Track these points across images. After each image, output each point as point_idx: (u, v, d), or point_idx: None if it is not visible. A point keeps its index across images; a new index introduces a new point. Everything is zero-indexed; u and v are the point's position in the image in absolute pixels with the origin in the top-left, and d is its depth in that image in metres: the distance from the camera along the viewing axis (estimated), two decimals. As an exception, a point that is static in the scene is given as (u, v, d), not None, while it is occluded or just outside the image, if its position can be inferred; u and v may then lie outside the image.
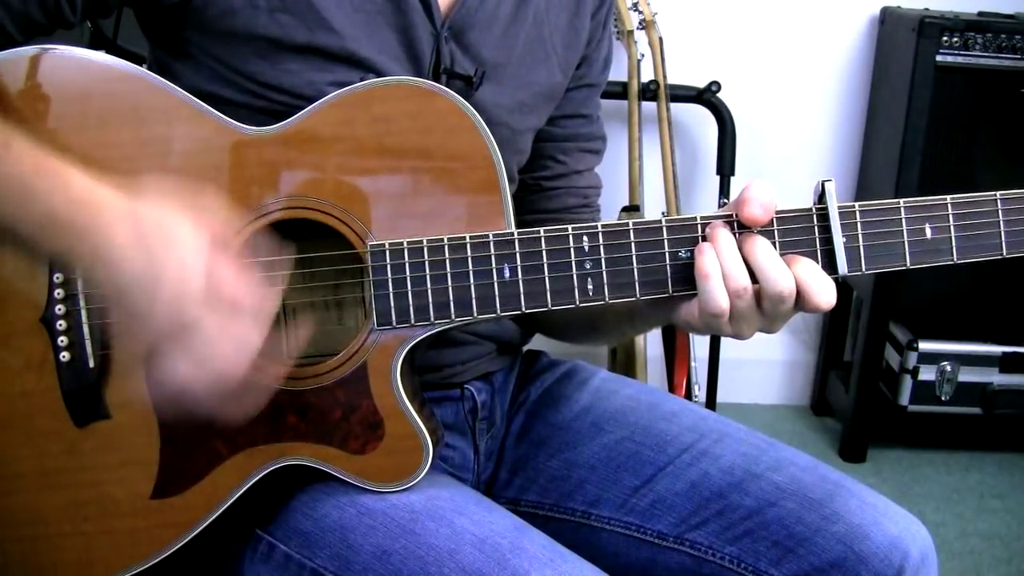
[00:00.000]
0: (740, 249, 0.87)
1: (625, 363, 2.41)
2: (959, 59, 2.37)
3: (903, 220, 0.89)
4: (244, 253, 0.88)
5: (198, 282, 0.81)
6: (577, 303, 0.90)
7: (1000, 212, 0.90)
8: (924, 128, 2.39)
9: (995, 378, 2.52)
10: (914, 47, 2.36)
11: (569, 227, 0.90)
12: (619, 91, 2.40)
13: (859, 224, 0.89)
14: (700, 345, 2.46)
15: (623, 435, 1.11)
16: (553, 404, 1.17)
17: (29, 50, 0.90)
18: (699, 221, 0.89)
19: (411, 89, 0.91)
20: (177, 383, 0.83)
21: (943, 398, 2.52)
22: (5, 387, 0.93)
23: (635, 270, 0.90)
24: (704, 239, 0.89)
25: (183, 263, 0.81)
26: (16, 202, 0.82)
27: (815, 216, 0.89)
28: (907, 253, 0.90)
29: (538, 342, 1.24)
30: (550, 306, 0.90)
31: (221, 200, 0.90)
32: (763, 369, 2.86)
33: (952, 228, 0.89)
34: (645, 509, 1.07)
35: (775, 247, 0.88)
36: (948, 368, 2.50)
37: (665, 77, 2.40)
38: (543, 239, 0.90)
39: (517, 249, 0.90)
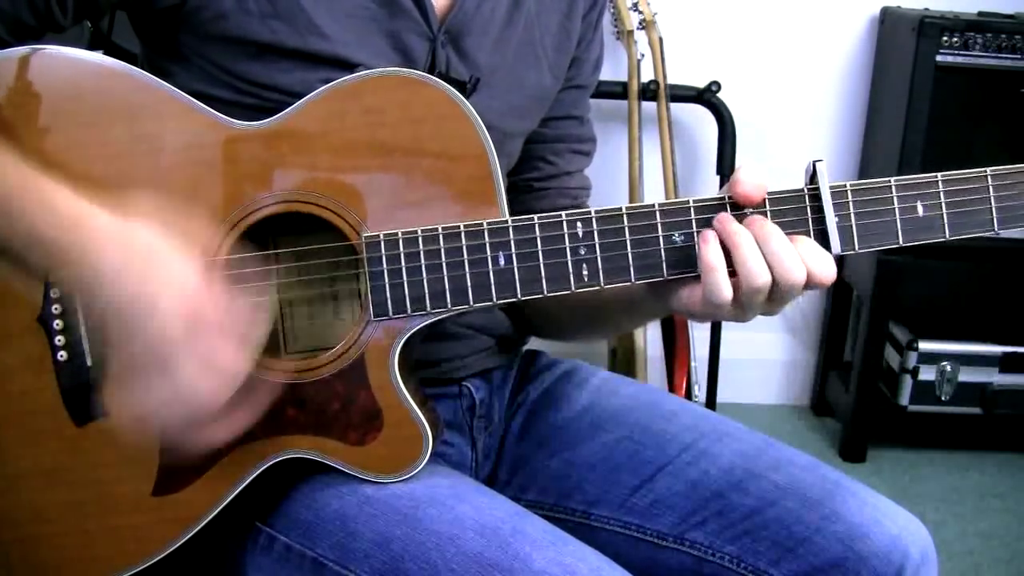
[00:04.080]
0: (755, 240, 0.87)
1: (625, 363, 2.41)
2: (959, 59, 2.36)
3: (894, 198, 0.90)
4: (231, 265, 0.89)
5: (186, 308, 0.82)
6: (573, 289, 0.91)
7: (991, 188, 0.90)
8: (924, 128, 2.39)
9: (995, 378, 2.51)
10: (914, 47, 2.36)
11: (563, 213, 0.90)
12: (619, 91, 2.40)
13: (851, 203, 0.89)
14: (700, 345, 2.46)
15: (623, 435, 1.11)
16: (553, 403, 1.17)
17: (19, 51, 0.90)
18: (691, 205, 0.90)
19: (401, 80, 0.91)
20: (151, 409, 0.84)
21: (943, 398, 2.52)
22: (4, 387, 0.93)
23: (629, 254, 0.90)
24: (709, 226, 0.89)
25: (171, 290, 0.82)
26: (2, 220, 0.83)
27: (807, 196, 0.90)
28: (899, 231, 0.90)
29: (538, 341, 1.24)
30: (546, 293, 0.90)
31: (210, 214, 0.90)
32: (763, 369, 2.86)
33: (943, 205, 0.90)
34: (645, 509, 1.07)
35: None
36: (948, 368, 2.50)
37: (665, 77, 2.40)
38: (537, 226, 0.90)
39: (512, 236, 0.90)
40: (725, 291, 0.87)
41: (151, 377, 0.82)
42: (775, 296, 0.88)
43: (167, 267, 0.83)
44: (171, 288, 0.82)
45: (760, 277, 0.86)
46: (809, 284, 0.88)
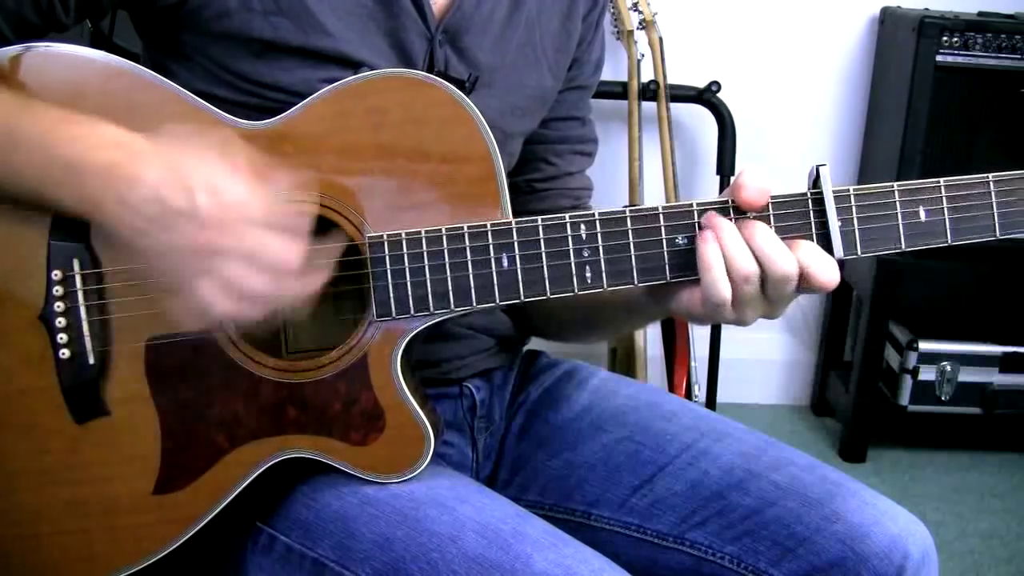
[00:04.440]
0: (741, 235, 0.87)
1: (625, 363, 2.41)
2: (959, 59, 2.37)
3: (897, 203, 0.90)
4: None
5: (236, 172, 0.81)
6: (576, 291, 0.91)
7: (993, 194, 0.90)
8: (924, 128, 2.39)
9: (995, 378, 2.51)
10: (914, 47, 2.36)
11: (566, 215, 0.90)
12: (619, 91, 2.40)
13: (854, 208, 0.89)
14: (700, 345, 2.46)
15: (623, 435, 1.11)
16: (553, 404, 1.17)
17: (12, 50, 0.90)
18: (695, 208, 0.90)
19: (405, 80, 0.91)
20: (241, 279, 0.82)
21: (943, 398, 2.52)
22: (4, 385, 0.93)
23: (632, 257, 0.90)
24: (701, 227, 0.89)
25: (218, 161, 0.82)
26: (41, 155, 0.84)
27: (810, 201, 0.90)
28: (902, 236, 0.90)
29: (538, 342, 1.24)
30: (549, 294, 0.90)
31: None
32: (763, 369, 2.86)
33: (946, 210, 0.90)
34: (645, 509, 1.07)
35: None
36: (948, 368, 2.50)
37: (665, 77, 2.40)
38: (540, 228, 0.90)
39: (515, 238, 0.90)
40: (723, 289, 0.87)
41: (215, 264, 0.81)
42: (769, 291, 0.88)
43: (208, 165, 0.82)
44: (217, 182, 0.81)
45: (744, 265, 0.86)
46: (811, 286, 0.88)
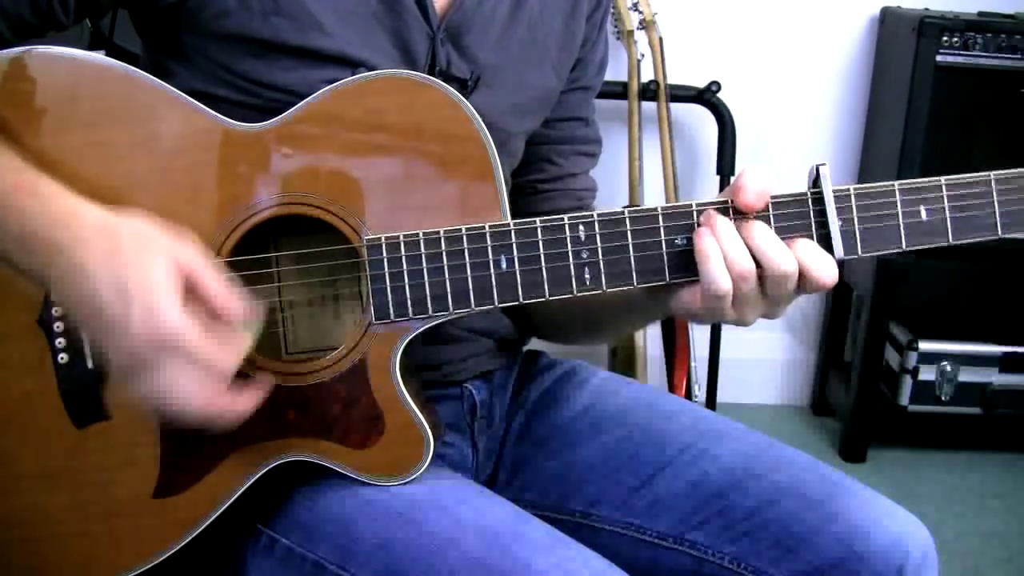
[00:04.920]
0: (739, 234, 0.87)
1: (625, 363, 2.41)
2: (959, 59, 2.37)
3: (898, 202, 0.89)
4: (231, 267, 0.87)
5: (175, 295, 0.80)
6: (575, 292, 0.90)
7: (994, 192, 0.90)
8: (924, 128, 2.39)
9: (995, 378, 2.52)
10: (914, 47, 2.36)
11: (565, 217, 0.90)
12: (619, 91, 2.40)
13: (854, 207, 0.89)
14: (700, 345, 2.46)
15: (623, 435, 1.11)
16: (553, 404, 1.17)
17: (11, 52, 0.90)
18: (694, 208, 0.89)
19: (404, 81, 0.91)
20: (165, 396, 0.82)
21: (943, 398, 2.52)
22: (4, 389, 0.93)
23: (631, 258, 0.90)
24: (699, 225, 0.89)
25: (159, 276, 0.80)
26: None
27: (810, 200, 0.89)
28: (903, 235, 0.90)
29: (538, 342, 1.24)
30: (548, 296, 0.90)
31: (210, 217, 0.90)
32: (763, 369, 2.86)
33: (947, 209, 0.89)
34: (645, 509, 1.07)
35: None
36: (948, 368, 2.50)
37: (665, 77, 2.40)
38: (539, 229, 0.90)
39: (514, 240, 0.90)
40: (723, 281, 0.86)
41: (141, 374, 0.81)
42: (768, 290, 0.88)
43: (156, 254, 0.81)
44: (160, 274, 0.80)
45: (742, 263, 0.86)
46: (810, 284, 0.87)
